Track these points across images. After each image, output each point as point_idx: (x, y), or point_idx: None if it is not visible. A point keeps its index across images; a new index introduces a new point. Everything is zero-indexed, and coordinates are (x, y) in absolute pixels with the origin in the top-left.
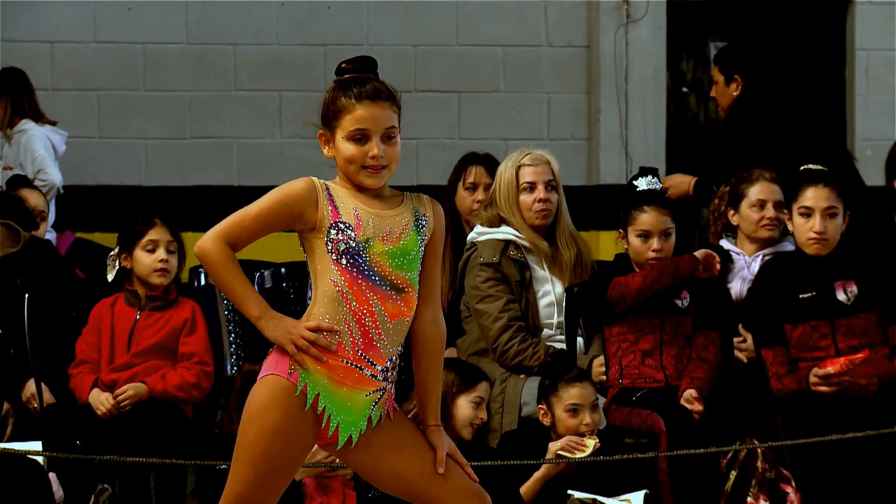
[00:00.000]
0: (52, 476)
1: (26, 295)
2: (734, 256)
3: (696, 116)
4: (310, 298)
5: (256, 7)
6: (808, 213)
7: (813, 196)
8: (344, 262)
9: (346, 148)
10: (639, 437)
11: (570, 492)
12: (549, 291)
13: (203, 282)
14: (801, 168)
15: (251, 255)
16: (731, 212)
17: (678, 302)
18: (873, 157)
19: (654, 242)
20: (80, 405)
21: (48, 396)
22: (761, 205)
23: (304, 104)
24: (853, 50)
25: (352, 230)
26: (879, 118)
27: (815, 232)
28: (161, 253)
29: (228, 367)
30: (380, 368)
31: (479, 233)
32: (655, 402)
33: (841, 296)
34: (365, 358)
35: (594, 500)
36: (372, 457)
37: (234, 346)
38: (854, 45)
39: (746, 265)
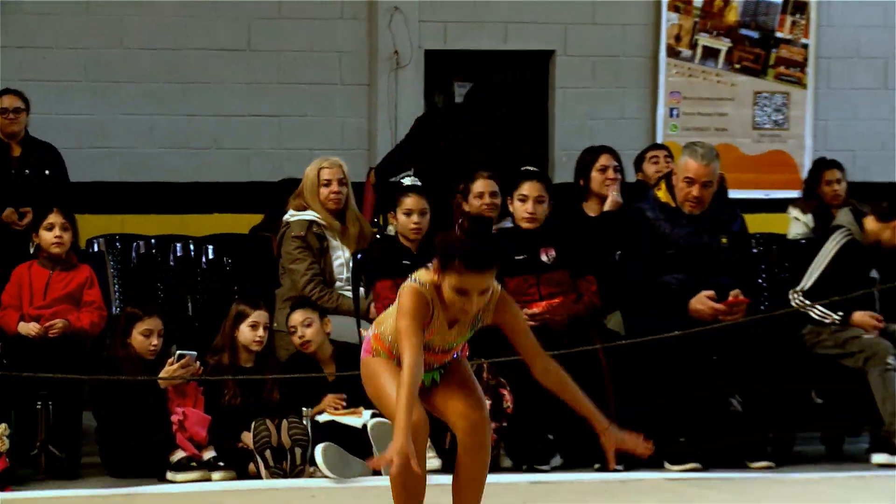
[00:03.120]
0: None
1: None
2: None
3: None
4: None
5: None
6: (523, 199)
7: (528, 187)
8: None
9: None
10: None
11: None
12: (341, 256)
13: (96, 248)
14: (522, 168)
15: (189, 231)
16: (464, 203)
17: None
18: (567, 162)
19: (415, 217)
20: (8, 337)
21: None
22: (480, 195)
23: None
24: (555, 89)
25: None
26: (573, 135)
27: (528, 212)
28: (56, 231)
29: (114, 308)
30: (436, 366)
31: (291, 215)
32: None
33: (544, 258)
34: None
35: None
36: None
37: (117, 293)
38: (555, 85)
39: None
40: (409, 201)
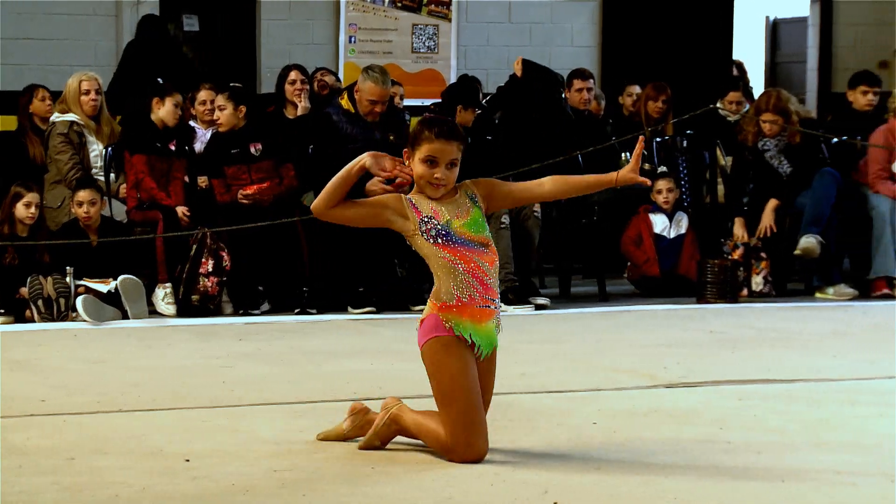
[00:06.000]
0: None
1: None
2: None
3: None
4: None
5: None
6: (220, 108)
7: (220, 98)
8: (441, 241)
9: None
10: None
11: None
12: (96, 149)
13: None
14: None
15: None
16: (192, 108)
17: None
18: (271, 77)
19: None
20: None
21: None
22: (203, 102)
23: None
24: (261, 20)
25: (434, 219)
26: (276, 56)
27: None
28: None
29: None
30: (496, 301)
31: (56, 117)
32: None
33: (253, 150)
34: (487, 297)
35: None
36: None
37: None
38: (261, 17)
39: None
40: (175, 98)
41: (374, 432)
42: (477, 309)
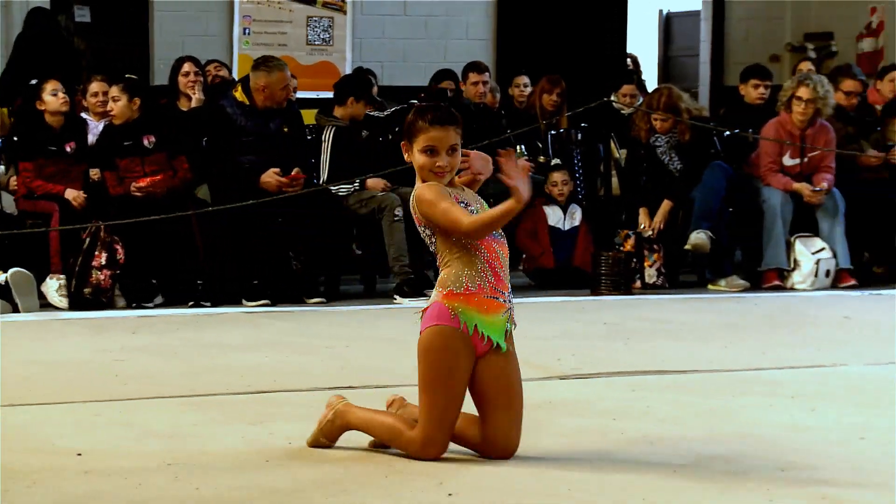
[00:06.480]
0: None
1: None
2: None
3: None
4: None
5: None
6: (116, 99)
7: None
8: None
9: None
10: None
11: None
12: None
13: None
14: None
15: None
16: (84, 100)
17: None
18: (164, 69)
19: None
20: None
21: None
22: (95, 95)
23: None
24: (154, 10)
25: (471, 206)
26: (169, 48)
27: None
28: None
29: None
30: (506, 294)
31: None
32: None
33: (146, 143)
34: (497, 290)
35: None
36: (484, 367)
37: None
38: (154, 8)
39: None
40: (49, 86)
41: (319, 430)
42: (485, 299)
